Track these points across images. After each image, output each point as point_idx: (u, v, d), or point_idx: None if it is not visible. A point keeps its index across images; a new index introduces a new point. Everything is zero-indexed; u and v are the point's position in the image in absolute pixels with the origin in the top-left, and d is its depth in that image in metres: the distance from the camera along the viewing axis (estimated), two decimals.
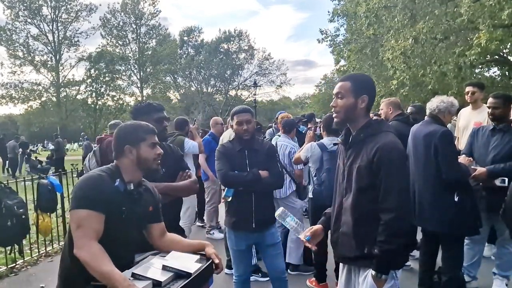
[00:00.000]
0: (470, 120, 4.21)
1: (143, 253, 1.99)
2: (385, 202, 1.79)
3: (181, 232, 2.57)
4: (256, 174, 2.80)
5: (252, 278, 3.41)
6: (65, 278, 1.83)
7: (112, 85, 30.91)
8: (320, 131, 4.25)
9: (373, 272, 1.82)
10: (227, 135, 4.66)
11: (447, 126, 4.42)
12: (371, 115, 2.37)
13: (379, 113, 4.79)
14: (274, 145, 4.02)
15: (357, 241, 1.90)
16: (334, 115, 1.99)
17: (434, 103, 3.20)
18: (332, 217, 2.08)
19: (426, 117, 3.27)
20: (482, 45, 10.21)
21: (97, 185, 1.72)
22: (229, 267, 4.15)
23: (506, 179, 3.11)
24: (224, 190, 3.02)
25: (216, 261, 1.87)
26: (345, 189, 1.96)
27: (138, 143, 1.85)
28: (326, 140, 3.69)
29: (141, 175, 1.91)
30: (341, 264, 2.12)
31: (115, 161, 1.88)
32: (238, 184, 2.84)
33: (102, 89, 30.12)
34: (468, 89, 4.28)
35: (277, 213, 2.13)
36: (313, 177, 3.72)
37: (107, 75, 29.99)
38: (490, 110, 3.40)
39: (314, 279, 3.87)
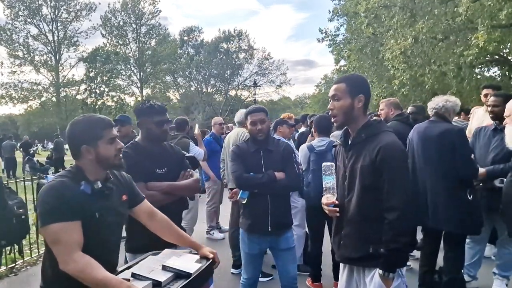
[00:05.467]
0: (482, 122, 4.21)
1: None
2: (389, 201, 1.79)
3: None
4: (271, 176, 2.72)
5: None
6: None
7: (111, 85, 30.78)
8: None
9: (380, 271, 1.82)
10: (233, 135, 4.57)
11: None
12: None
13: (379, 113, 4.78)
14: None
15: (362, 241, 1.89)
16: (332, 119, 1.97)
17: (439, 102, 3.17)
18: (333, 219, 2.07)
19: (432, 116, 3.22)
20: (480, 46, 10.20)
21: (61, 193, 1.59)
22: (235, 266, 4.16)
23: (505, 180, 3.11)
24: (235, 191, 2.95)
25: (211, 256, 1.87)
26: (347, 190, 1.95)
27: (95, 141, 1.69)
28: (316, 141, 3.69)
29: (106, 171, 1.79)
30: (341, 265, 2.10)
31: (75, 161, 1.75)
32: (253, 187, 2.76)
33: (101, 89, 29.98)
34: (487, 91, 4.28)
35: (326, 164, 2.03)
36: (303, 178, 3.71)
37: (104, 74, 29.81)
38: (490, 108, 3.41)
39: (309, 278, 3.86)
